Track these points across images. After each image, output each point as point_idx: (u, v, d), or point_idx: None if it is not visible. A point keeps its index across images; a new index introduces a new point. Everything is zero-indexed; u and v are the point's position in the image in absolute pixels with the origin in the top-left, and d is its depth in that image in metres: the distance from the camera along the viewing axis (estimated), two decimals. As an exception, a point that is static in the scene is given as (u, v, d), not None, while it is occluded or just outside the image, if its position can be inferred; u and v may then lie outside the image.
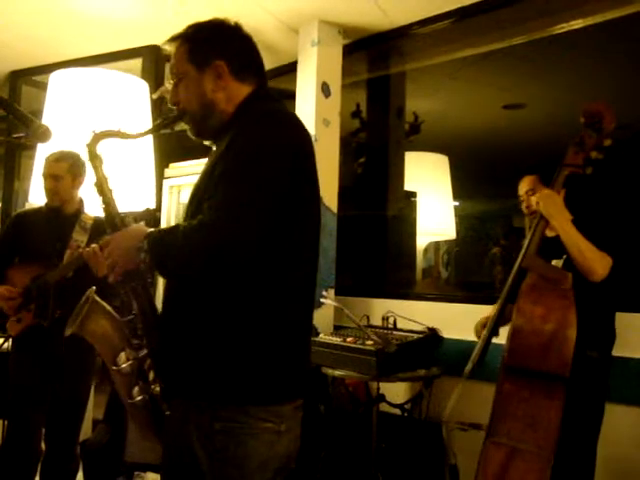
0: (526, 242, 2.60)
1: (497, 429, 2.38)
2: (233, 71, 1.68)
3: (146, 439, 1.79)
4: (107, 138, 1.80)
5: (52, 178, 2.91)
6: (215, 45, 1.69)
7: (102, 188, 1.80)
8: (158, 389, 1.70)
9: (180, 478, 1.58)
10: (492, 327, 2.60)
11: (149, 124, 3.68)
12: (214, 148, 1.74)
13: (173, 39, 1.74)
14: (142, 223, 1.77)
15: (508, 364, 2.40)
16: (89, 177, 2.91)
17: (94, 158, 1.79)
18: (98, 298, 1.89)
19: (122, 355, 1.79)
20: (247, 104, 1.68)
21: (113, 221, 1.77)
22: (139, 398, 1.73)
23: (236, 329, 1.53)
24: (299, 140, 1.62)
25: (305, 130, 1.67)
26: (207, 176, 1.61)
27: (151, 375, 1.73)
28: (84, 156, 1.85)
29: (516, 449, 2.30)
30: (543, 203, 2.56)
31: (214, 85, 1.67)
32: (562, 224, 2.54)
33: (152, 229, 1.60)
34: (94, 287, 1.94)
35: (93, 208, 2.94)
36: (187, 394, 1.57)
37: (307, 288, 1.68)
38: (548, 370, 2.32)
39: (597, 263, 2.51)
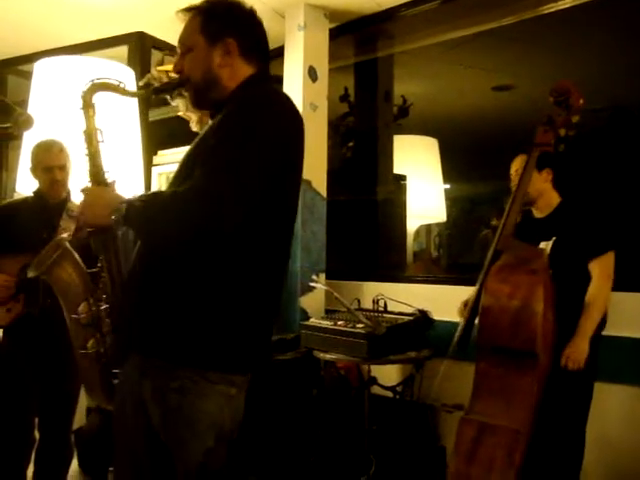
0: (501, 224, 2.61)
1: (473, 407, 2.42)
2: (242, 51, 1.72)
3: (92, 391, 1.81)
4: (105, 90, 1.78)
5: (60, 169, 2.88)
6: (229, 23, 1.73)
7: (91, 138, 1.78)
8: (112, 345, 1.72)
9: (131, 434, 1.61)
10: (472, 309, 2.62)
11: (136, 115, 3.66)
12: (209, 122, 1.76)
13: (188, 9, 1.77)
14: None
15: (480, 343, 2.44)
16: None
17: (88, 107, 1.78)
18: (70, 247, 1.88)
19: (84, 305, 1.80)
20: (249, 83, 1.72)
21: (97, 172, 1.76)
22: (92, 350, 1.74)
23: (204, 293, 1.56)
24: (293, 123, 1.67)
25: (299, 114, 1.71)
26: (199, 146, 1.64)
27: (106, 329, 1.75)
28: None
29: (487, 425, 2.34)
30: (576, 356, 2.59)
31: (221, 60, 1.71)
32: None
33: (131, 197, 1.61)
34: (66, 234, 1.93)
35: (79, 196, 2.92)
36: (147, 351, 1.59)
37: (280, 268, 1.72)
38: (517, 346, 2.36)
39: (605, 300, 2.66)
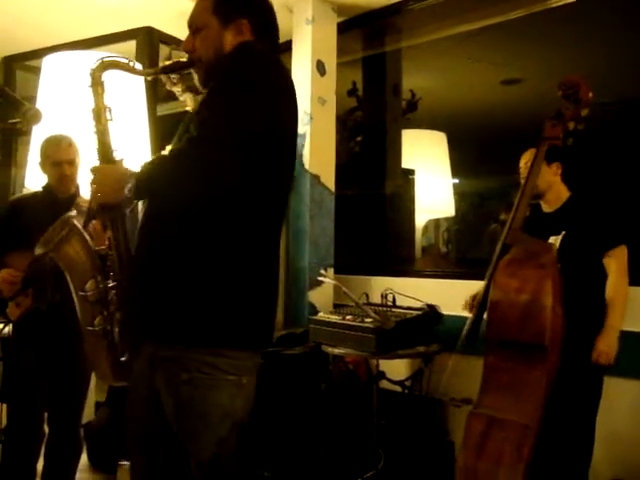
0: (509, 218, 2.60)
1: (482, 401, 2.41)
2: (254, 32, 1.73)
3: (97, 367, 1.81)
4: (114, 69, 1.79)
5: (69, 164, 2.88)
6: (242, 3, 1.74)
7: (99, 116, 1.78)
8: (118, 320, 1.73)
9: (146, 423, 1.64)
10: (481, 303, 2.61)
11: (144, 110, 3.66)
12: None
13: None
14: None
15: (488, 337, 2.43)
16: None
17: (97, 84, 1.78)
18: (78, 224, 1.88)
19: (91, 282, 1.80)
20: (241, 50, 1.71)
21: (105, 150, 1.76)
22: (99, 327, 1.75)
23: (206, 270, 1.56)
24: (280, 83, 1.67)
25: (289, 78, 1.72)
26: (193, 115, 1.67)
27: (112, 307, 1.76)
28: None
29: (496, 418, 2.33)
30: (611, 349, 2.60)
31: (234, 40, 1.71)
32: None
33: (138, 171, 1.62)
34: (74, 212, 1.92)
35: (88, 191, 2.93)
36: (157, 336, 1.61)
37: (277, 241, 1.74)
38: (526, 340, 2.35)
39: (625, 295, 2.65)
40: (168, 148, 1.73)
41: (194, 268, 1.57)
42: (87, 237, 1.95)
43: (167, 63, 1.81)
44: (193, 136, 1.53)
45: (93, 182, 1.66)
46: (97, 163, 1.77)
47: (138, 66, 1.80)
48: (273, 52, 1.78)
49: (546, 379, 2.34)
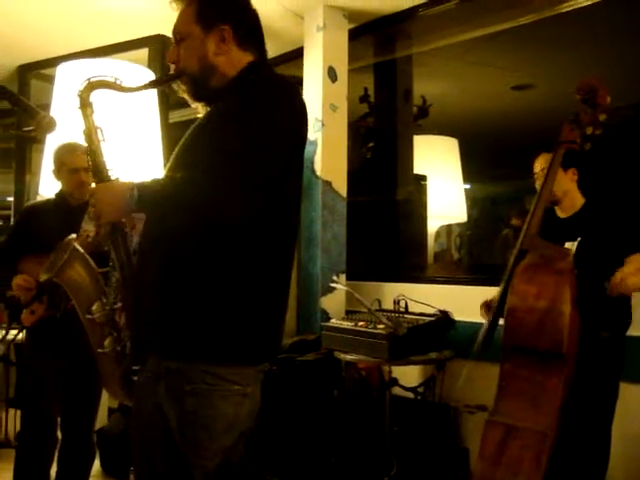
0: (526, 223, 2.58)
1: (499, 408, 2.38)
2: (237, 38, 1.70)
3: (110, 390, 1.82)
4: (101, 88, 1.77)
5: (85, 171, 2.89)
6: (224, 9, 1.71)
7: (90, 137, 1.78)
8: (129, 342, 1.72)
9: (148, 435, 1.62)
10: (497, 309, 2.59)
11: (156, 117, 3.68)
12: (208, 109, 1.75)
13: None
14: None
15: (505, 343, 2.40)
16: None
17: (85, 106, 1.77)
18: (79, 246, 1.88)
19: (97, 304, 1.80)
20: (250, 70, 1.69)
21: (99, 170, 1.75)
22: (110, 349, 1.74)
23: (214, 286, 1.55)
24: (296, 108, 1.63)
25: (302, 99, 1.68)
26: (199, 131, 1.64)
27: (123, 327, 1.76)
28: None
29: (513, 427, 2.30)
30: (633, 280, 2.47)
31: (217, 48, 1.68)
32: None
33: (140, 182, 1.61)
34: (74, 235, 1.92)
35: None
36: (159, 350, 1.59)
37: (288, 256, 1.70)
38: (544, 347, 2.32)
39: None
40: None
41: (199, 284, 1.55)
42: (89, 259, 1.96)
43: (155, 78, 1.81)
44: (205, 162, 1.52)
45: (93, 203, 1.64)
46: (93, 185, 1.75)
47: (126, 83, 1.78)
48: (283, 77, 1.74)
49: (563, 386, 2.31)
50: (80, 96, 1.77)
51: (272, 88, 1.61)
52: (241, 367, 1.59)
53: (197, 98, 1.76)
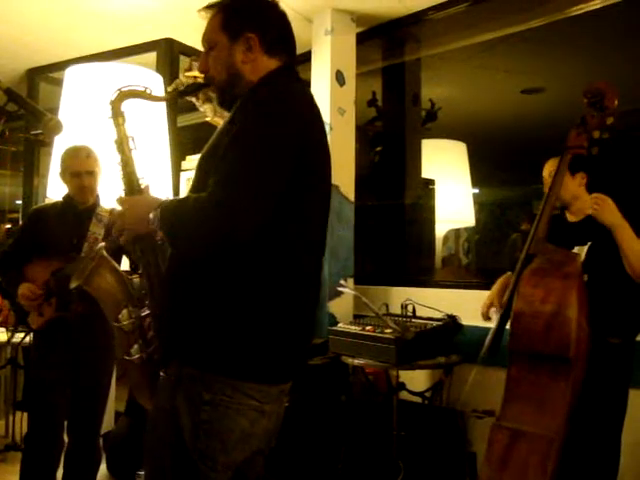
0: (533, 227, 2.56)
1: (505, 413, 2.37)
2: (264, 45, 1.68)
3: (139, 393, 1.81)
4: (132, 97, 1.78)
5: (88, 175, 2.90)
6: (249, 16, 1.70)
7: (122, 146, 1.78)
8: (156, 349, 1.71)
9: (161, 439, 1.61)
10: (503, 313, 2.57)
11: (164, 121, 3.69)
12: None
13: (209, 7, 1.74)
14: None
15: (512, 348, 2.39)
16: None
17: (117, 116, 1.78)
18: (107, 254, 1.88)
19: (124, 312, 1.80)
20: (269, 79, 1.68)
21: (130, 180, 1.77)
22: (137, 356, 1.74)
23: (239, 303, 1.53)
24: (307, 123, 1.60)
25: (316, 113, 1.66)
26: (214, 148, 1.62)
27: (150, 334, 1.74)
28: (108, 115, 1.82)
29: (520, 431, 2.29)
30: (605, 212, 2.51)
31: (244, 56, 1.67)
32: (624, 232, 2.51)
33: (165, 199, 1.61)
34: (103, 243, 1.92)
35: (108, 201, 2.95)
36: (182, 358, 1.58)
37: (313, 274, 1.68)
38: (550, 352, 2.31)
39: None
40: (191, 158, 1.71)
41: (224, 300, 1.54)
42: (117, 267, 1.96)
43: (184, 87, 1.81)
44: (224, 181, 1.49)
45: (120, 214, 1.65)
46: (123, 194, 1.77)
47: (156, 92, 1.80)
48: (301, 85, 1.73)
49: (571, 391, 2.30)
50: (112, 105, 1.78)
51: (274, 105, 1.57)
52: (261, 385, 1.57)
53: (224, 106, 1.76)
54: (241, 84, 1.68)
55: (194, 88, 1.81)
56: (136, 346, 1.76)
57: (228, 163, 1.50)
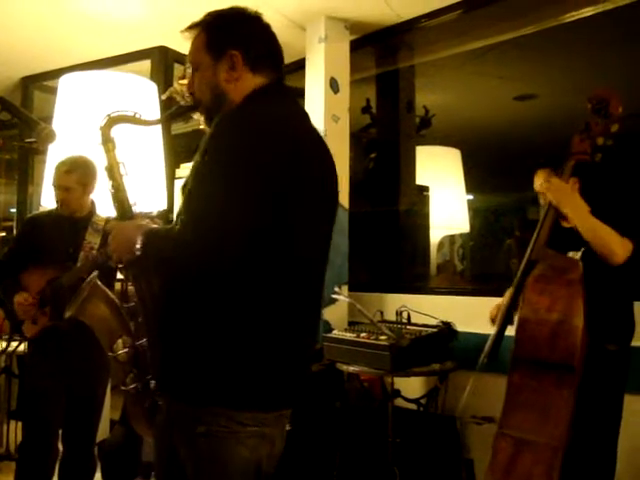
0: (535, 233, 2.56)
1: (507, 421, 2.36)
2: (248, 62, 1.63)
3: (137, 424, 1.80)
4: (121, 123, 1.78)
5: (62, 189, 2.91)
6: (231, 34, 1.65)
7: (112, 172, 1.77)
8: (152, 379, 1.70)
9: (168, 476, 1.60)
10: (503, 320, 2.57)
11: (158, 128, 3.69)
12: None
13: (192, 27, 1.70)
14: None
15: (516, 355, 2.38)
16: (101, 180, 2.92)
17: (107, 142, 1.77)
18: (100, 283, 1.88)
19: (119, 342, 1.80)
20: (251, 98, 1.62)
21: (122, 206, 1.76)
22: (132, 386, 1.73)
23: (226, 333, 1.49)
24: (283, 147, 1.50)
25: (297, 135, 1.57)
26: (193, 169, 1.58)
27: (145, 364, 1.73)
28: (97, 152, 1.83)
29: (524, 440, 2.28)
30: (550, 191, 2.52)
31: (227, 75, 1.63)
32: (574, 208, 2.49)
33: (153, 227, 1.60)
34: (97, 271, 1.93)
35: (104, 209, 2.95)
36: (172, 392, 1.56)
37: (307, 293, 1.62)
38: (555, 360, 2.30)
39: (615, 244, 2.45)
40: (185, 166, 1.71)
41: (208, 327, 1.50)
42: (111, 295, 1.96)
43: (172, 109, 1.81)
44: (190, 220, 1.46)
45: (110, 240, 1.64)
46: (114, 219, 1.78)
47: (145, 116, 1.79)
48: (288, 101, 1.68)
49: (573, 399, 2.29)
50: (101, 132, 1.76)
51: (245, 129, 1.48)
52: (256, 413, 1.53)
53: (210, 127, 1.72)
54: (226, 104, 1.63)
55: (182, 111, 1.79)
56: (130, 376, 1.75)
57: (194, 200, 1.48)
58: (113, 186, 1.77)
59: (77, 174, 2.90)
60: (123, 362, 1.77)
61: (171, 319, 1.57)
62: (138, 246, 1.52)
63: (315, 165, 1.60)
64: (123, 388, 1.75)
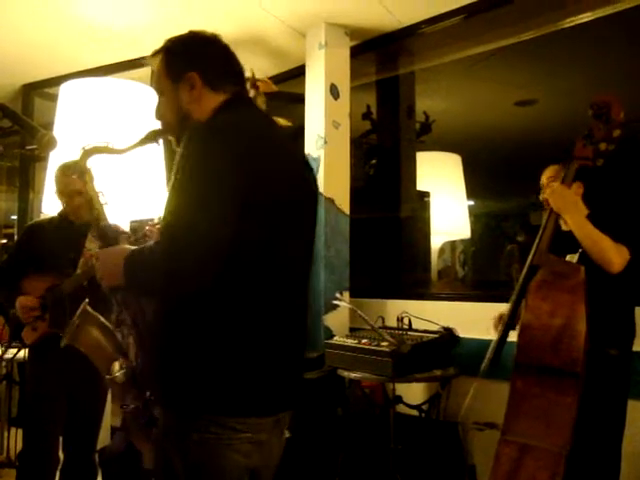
0: (537, 239, 2.56)
1: (510, 427, 2.35)
2: (207, 81, 1.68)
3: (137, 446, 1.81)
4: (96, 154, 1.83)
5: (76, 194, 2.90)
6: (188, 57, 1.71)
7: (92, 203, 1.84)
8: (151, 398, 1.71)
9: None
10: (506, 326, 2.57)
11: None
12: None
13: (154, 54, 1.77)
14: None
15: (518, 361, 2.37)
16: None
17: (84, 174, 1.84)
18: (90, 309, 1.90)
19: (116, 364, 1.82)
20: (213, 115, 1.66)
21: (104, 235, 1.79)
22: (132, 406, 1.74)
23: (209, 341, 1.50)
24: (243, 153, 1.51)
25: (255, 136, 1.58)
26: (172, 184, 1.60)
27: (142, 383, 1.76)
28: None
29: (528, 446, 2.27)
30: (552, 197, 2.53)
31: (188, 97, 1.67)
32: (573, 216, 2.51)
33: (133, 249, 1.59)
34: (87, 299, 1.95)
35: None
36: (165, 403, 1.58)
37: (289, 298, 1.63)
38: (558, 366, 2.29)
39: (612, 252, 2.47)
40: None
41: (194, 343, 1.52)
42: (103, 320, 1.97)
43: (143, 136, 1.83)
44: (170, 228, 1.48)
45: (97, 268, 1.66)
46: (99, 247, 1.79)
47: (117, 145, 1.84)
48: (251, 113, 1.72)
49: (576, 405, 2.28)
50: (78, 165, 1.83)
51: (207, 140, 1.51)
52: (249, 418, 1.53)
53: None
54: (192, 124, 1.65)
55: (152, 136, 1.81)
56: (130, 396, 1.76)
57: (169, 214, 1.50)
58: (93, 215, 1.83)
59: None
60: (120, 383, 1.79)
61: (158, 332, 1.60)
62: (122, 271, 1.54)
63: (278, 166, 1.62)
64: (124, 409, 1.76)
